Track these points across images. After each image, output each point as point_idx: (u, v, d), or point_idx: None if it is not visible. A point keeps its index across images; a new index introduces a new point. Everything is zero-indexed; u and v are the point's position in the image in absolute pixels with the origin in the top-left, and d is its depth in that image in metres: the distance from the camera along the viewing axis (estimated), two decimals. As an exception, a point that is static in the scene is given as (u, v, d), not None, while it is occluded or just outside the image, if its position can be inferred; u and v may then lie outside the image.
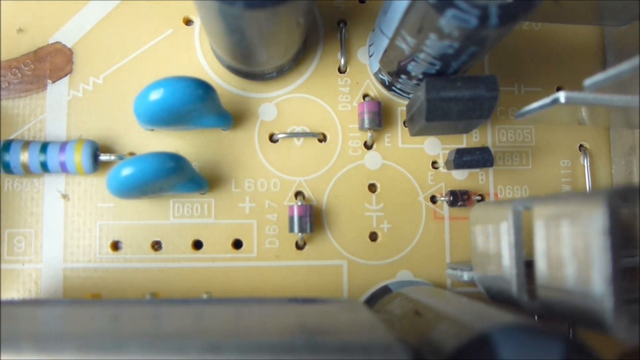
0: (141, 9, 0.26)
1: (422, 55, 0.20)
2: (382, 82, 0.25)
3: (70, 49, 0.25)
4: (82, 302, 0.19)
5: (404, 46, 0.21)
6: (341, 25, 0.26)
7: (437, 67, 0.21)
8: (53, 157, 0.23)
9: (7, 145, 0.23)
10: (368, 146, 0.26)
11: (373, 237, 0.26)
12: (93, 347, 0.13)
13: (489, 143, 0.27)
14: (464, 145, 0.26)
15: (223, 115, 0.24)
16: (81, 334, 0.15)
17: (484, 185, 0.26)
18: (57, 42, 0.25)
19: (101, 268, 0.24)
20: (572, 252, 0.16)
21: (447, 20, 0.17)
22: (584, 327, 0.16)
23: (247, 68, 0.24)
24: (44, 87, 0.25)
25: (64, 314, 0.17)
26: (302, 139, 0.26)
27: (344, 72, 0.26)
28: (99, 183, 0.24)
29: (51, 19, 0.25)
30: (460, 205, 0.25)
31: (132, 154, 0.25)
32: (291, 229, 0.24)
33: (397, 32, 0.21)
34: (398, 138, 0.26)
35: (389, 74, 0.24)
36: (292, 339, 0.14)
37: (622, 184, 0.26)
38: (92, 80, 0.25)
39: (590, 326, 0.16)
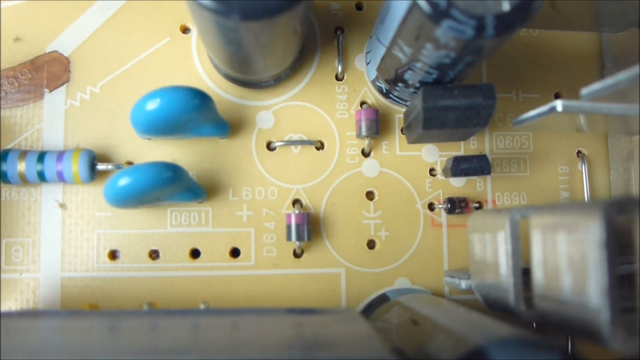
0: (138, 17, 0.26)
1: (418, 64, 0.20)
2: (380, 90, 0.25)
3: (67, 58, 0.25)
4: (79, 314, 0.19)
5: (400, 55, 0.21)
6: (338, 32, 0.26)
7: (434, 76, 0.21)
8: (50, 167, 0.23)
9: (5, 154, 0.23)
10: (366, 154, 0.26)
11: (371, 244, 0.26)
12: (89, 363, 0.13)
13: (486, 150, 0.27)
14: (461, 153, 0.26)
15: (220, 123, 0.24)
16: (78, 349, 0.15)
17: (482, 192, 0.26)
18: (54, 51, 0.25)
19: (99, 277, 0.24)
20: (569, 262, 0.16)
21: (443, 31, 0.17)
22: (580, 337, 0.16)
23: (244, 76, 0.24)
24: (41, 96, 0.25)
25: (61, 326, 0.17)
26: (299, 147, 0.26)
27: (341, 80, 0.26)
28: (96, 192, 0.24)
29: (48, 28, 0.25)
30: (458, 213, 0.25)
31: (129, 163, 0.25)
32: (289, 237, 0.24)
33: (393, 41, 0.21)
34: (396, 145, 0.26)
35: (386, 81, 0.24)
36: (289, 354, 0.14)
37: (619, 195, 0.26)
38: (89, 89, 0.25)
39: (587, 337, 0.16)
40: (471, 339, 0.15)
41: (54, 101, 0.25)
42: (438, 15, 0.17)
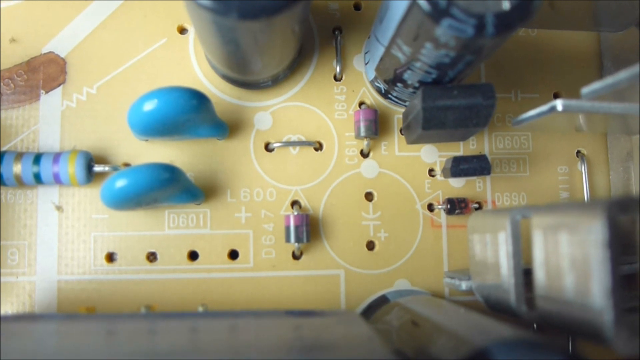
0: (135, 18, 0.25)
1: (418, 64, 0.20)
2: (378, 90, 0.25)
3: (63, 59, 0.25)
4: (76, 317, 0.19)
5: (399, 55, 0.21)
6: (337, 32, 0.26)
7: (434, 76, 0.21)
8: (46, 169, 0.23)
9: (0, 156, 0.23)
10: (364, 154, 0.26)
11: (370, 246, 0.25)
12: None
13: (486, 150, 0.26)
14: (461, 153, 0.26)
15: (218, 124, 0.24)
16: (75, 353, 0.14)
17: (482, 192, 0.26)
18: (50, 52, 0.25)
19: (96, 280, 0.24)
20: (571, 262, 0.16)
21: (443, 30, 0.17)
22: (583, 338, 0.16)
23: (242, 77, 0.24)
24: (37, 97, 0.25)
25: (58, 330, 0.17)
26: (298, 148, 0.25)
27: (339, 80, 0.26)
28: (93, 194, 0.24)
29: (44, 29, 0.25)
30: (458, 213, 0.25)
31: (126, 164, 0.25)
32: (287, 239, 0.24)
33: (392, 41, 0.20)
34: (395, 146, 0.26)
35: (385, 82, 0.24)
36: (288, 356, 0.14)
37: (621, 194, 0.26)
38: (85, 90, 0.25)
39: (589, 337, 0.15)
40: (473, 341, 0.15)
41: (50, 102, 0.25)
42: (438, 14, 0.17)
